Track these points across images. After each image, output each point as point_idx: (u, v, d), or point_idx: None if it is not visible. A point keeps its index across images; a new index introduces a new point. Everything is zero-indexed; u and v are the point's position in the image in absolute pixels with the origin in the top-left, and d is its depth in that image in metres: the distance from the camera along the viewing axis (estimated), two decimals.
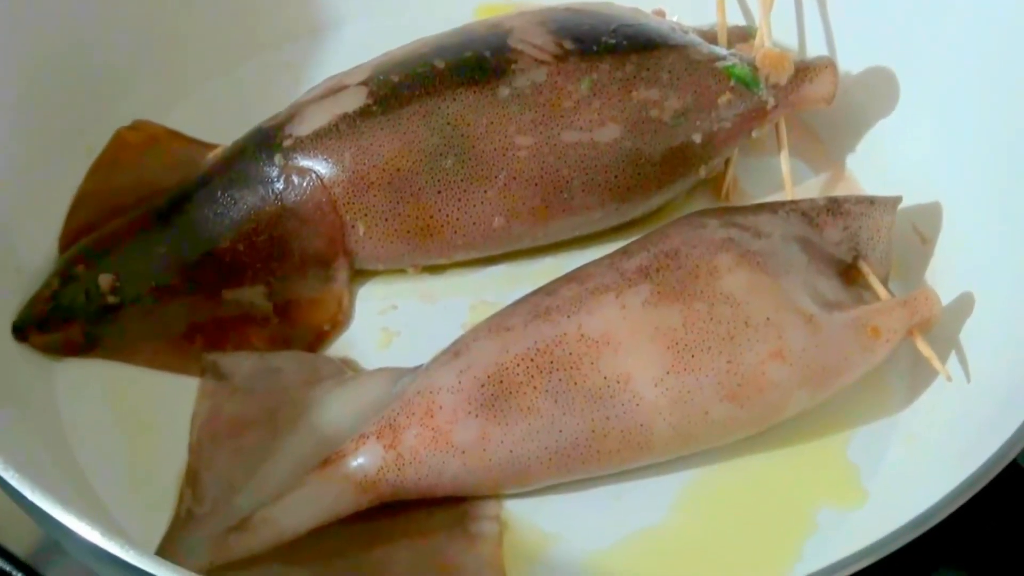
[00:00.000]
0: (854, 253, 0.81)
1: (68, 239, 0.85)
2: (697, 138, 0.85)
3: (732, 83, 0.85)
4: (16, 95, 0.86)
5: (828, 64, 0.87)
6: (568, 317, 0.75)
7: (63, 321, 0.80)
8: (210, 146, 0.89)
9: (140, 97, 0.93)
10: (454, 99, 0.82)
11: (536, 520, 0.76)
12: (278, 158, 0.82)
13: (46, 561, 0.77)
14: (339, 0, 1.01)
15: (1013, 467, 0.63)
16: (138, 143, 0.90)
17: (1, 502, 0.66)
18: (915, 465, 0.75)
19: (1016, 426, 0.64)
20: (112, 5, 0.92)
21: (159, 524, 0.74)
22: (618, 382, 0.73)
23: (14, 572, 0.76)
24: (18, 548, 0.77)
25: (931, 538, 0.60)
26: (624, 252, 0.79)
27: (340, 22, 1.01)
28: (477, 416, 0.73)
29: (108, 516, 0.74)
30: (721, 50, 0.87)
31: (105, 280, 0.81)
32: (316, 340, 0.83)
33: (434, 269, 0.86)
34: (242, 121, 0.87)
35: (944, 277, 0.83)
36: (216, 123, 0.91)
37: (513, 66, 0.83)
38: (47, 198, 0.86)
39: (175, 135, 0.91)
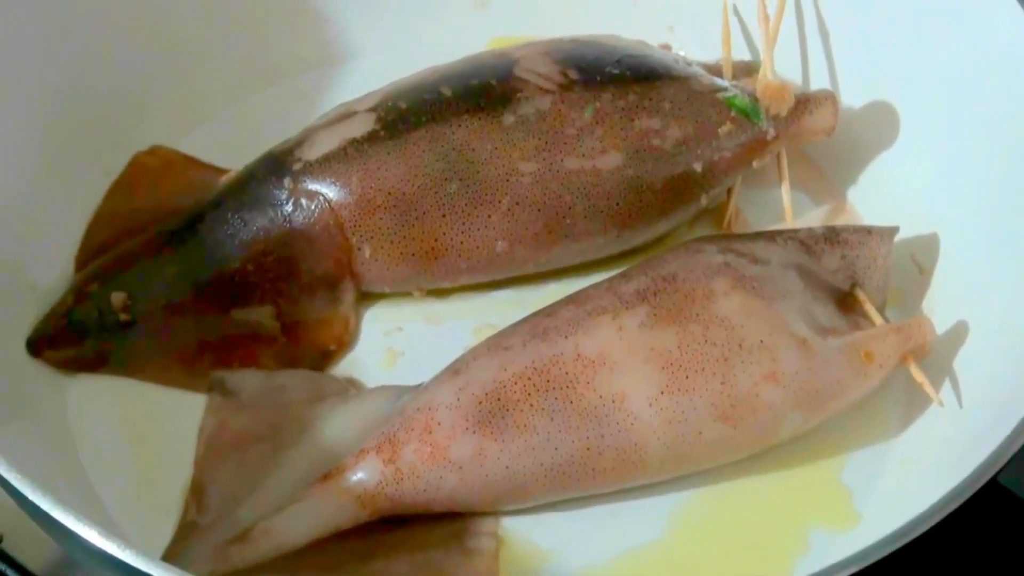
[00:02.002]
0: (851, 281, 0.82)
1: (84, 258, 0.87)
2: (698, 167, 0.86)
3: (733, 113, 0.87)
4: (38, 121, 0.88)
5: (829, 96, 0.88)
6: (565, 337, 0.76)
7: (76, 337, 0.82)
8: (224, 171, 0.91)
9: (157, 123, 0.95)
10: (460, 125, 0.84)
11: (533, 536, 0.77)
12: (287, 181, 0.84)
13: None
14: (354, 32, 1.02)
15: (993, 484, 0.64)
16: (154, 167, 0.92)
17: (16, 518, 0.68)
18: (907, 489, 0.76)
19: (995, 446, 0.65)
20: (133, 36, 0.94)
21: (164, 535, 0.75)
22: (613, 401, 0.74)
23: None
24: (34, 565, 0.78)
25: (915, 552, 0.61)
26: (623, 276, 0.80)
27: (354, 54, 1.02)
28: (475, 432, 0.74)
29: (114, 526, 0.76)
30: (723, 81, 0.89)
31: (117, 298, 0.83)
32: (322, 359, 0.85)
33: (439, 293, 0.88)
34: (256, 148, 0.89)
35: (940, 306, 0.84)
36: (230, 150, 0.92)
37: (518, 94, 0.85)
38: (64, 219, 0.88)
39: (190, 160, 0.93)
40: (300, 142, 0.86)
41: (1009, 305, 0.78)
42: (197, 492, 0.76)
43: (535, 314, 0.80)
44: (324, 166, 0.84)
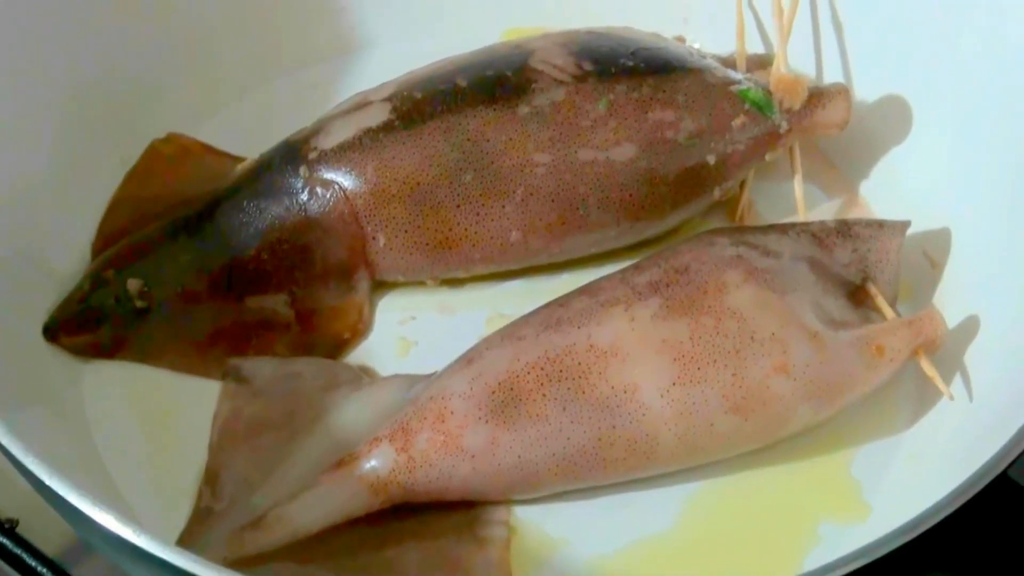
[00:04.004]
0: (863, 275, 0.82)
1: (101, 245, 0.87)
2: (711, 159, 0.86)
3: (746, 106, 0.87)
4: (55, 108, 0.89)
5: (842, 90, 0.88)
6: (578, 328, 0.76)
7: (92, 323, 0.83)
8: (240, 159, 0.91)
9: (174, 111, 0.95)
10: (474, 116, 0.84)
11: (544, 526, 0.77)
12: (303, 170, 0.84)
13: (74, 560, 0.78)
14: (369, 22, 1.03)
15: (1003, 479, 0.64)
16: (171, 155, 0.92)
17: (32, 503, 0.69)
18: (917, 482, 0.76)
19: (1006, 440, 0.65)
20: (150, 24, 0.95)
21: (178, 521, 0.75)
22: (625, 392, 0.74)
23: (40, 568, 0.77)
24: (49, 549, 0.78)
25: (922, 545, 0.61)
26: (636, 267, 0.81)
27: (370, 44, 1.03)
28: (487, 422, 0.75)
29: (129, 512, 0.76)
30: (736, 74, 0.89)
31: (134, 285, 0.83)
32: (336, 348, 0.85)
33: (453, 282, 0.88)
34: (271, 137, 0.89)
35: (952, 301, 0.84)
36: (247, 138, 0.93)
37: (533, 85, 0.85)
38: (82, 205, 0.88)
39: (206, 148, 0.93)
40: (316, 131, 0.87)
41: (1021, 300, 0.78)
42: (211, 478, 0.77)
43: (548, 304, 0.80)
44: (339, 155, 0.84)
